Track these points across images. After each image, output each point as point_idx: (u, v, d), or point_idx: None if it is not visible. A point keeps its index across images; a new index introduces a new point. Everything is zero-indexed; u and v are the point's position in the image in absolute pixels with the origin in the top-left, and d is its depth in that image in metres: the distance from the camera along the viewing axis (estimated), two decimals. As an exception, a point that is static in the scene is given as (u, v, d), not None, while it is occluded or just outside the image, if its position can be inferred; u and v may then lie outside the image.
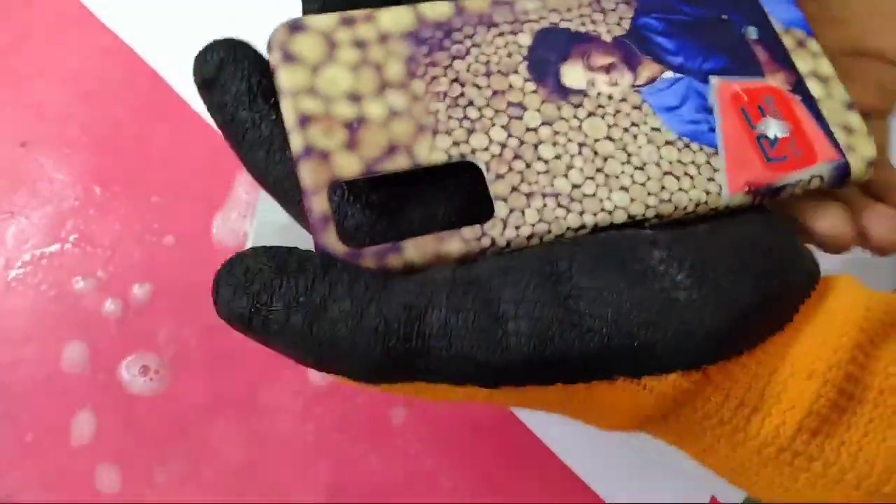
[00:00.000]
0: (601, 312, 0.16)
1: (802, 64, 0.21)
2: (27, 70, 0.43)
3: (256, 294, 0.15)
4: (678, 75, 0.20)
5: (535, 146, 0.19)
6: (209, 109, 0.18)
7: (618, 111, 0.19)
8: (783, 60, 0.21)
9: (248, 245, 0.37)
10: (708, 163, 0.19)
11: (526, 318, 0.15)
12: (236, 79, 0.17)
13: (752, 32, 0.21)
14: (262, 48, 0.18)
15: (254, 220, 0.39)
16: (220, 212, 0.41)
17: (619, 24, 0.21)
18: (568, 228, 0.18)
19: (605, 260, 0.16)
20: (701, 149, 0.19)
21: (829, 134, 0.21)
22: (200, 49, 0.18)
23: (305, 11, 0.19)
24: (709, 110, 0.20)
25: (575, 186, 0.18)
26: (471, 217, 0.19)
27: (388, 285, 0.16)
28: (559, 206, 0.18)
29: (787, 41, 0.22)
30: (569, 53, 0.20)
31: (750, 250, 0.18)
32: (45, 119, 0.42)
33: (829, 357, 0.17)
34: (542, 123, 0.19)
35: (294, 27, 0.18)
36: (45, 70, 0.43)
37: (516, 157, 0.18)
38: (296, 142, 0.17)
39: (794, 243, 0.19)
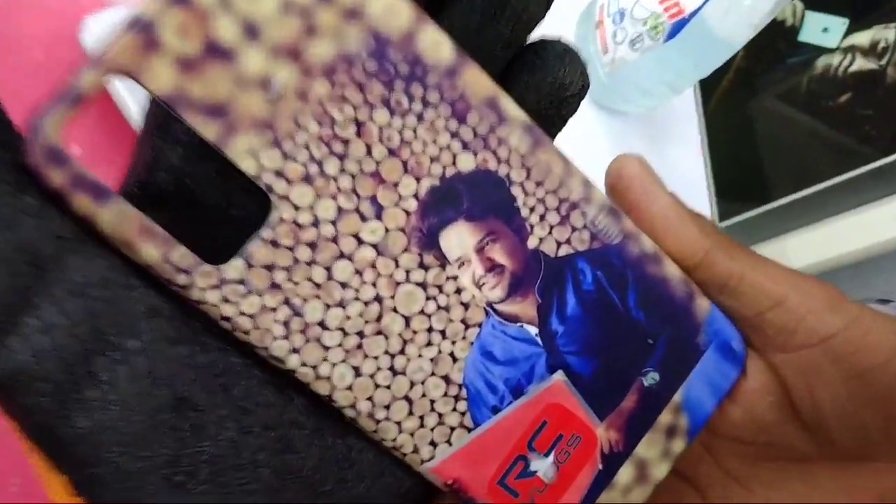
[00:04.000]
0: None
1: (647, 448, 0.18)
2: None
3: None
4: (537, 340, 0.17)
5: (339, 256, 0.15)
6: None
7: (445, 308, 0.16)
8: (637, 426, 0.18)
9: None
10: (452, 430, 0.16)
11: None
12: None
13: (650, 379, 0.18)
14: None
15: None
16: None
17: (559, 244, 0.16)
18: (265, 348, 0.15)
19: None
20: (463, 415, 0.16)
21: None
22: None
23: None
24: (517, 393, 0.17)
25: (321, 325, 0.15)
26: None
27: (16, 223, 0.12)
28: (284, 323, 0.15)
29: (665, 418, 0.18)
30: (481, 219, 0.16)
31: None
32: None
33: None
34: (371, 245, 0.15)
35: None
36: None
37: (312, 244, 0.15)
38: (149, 7, 0.13)
39: None
